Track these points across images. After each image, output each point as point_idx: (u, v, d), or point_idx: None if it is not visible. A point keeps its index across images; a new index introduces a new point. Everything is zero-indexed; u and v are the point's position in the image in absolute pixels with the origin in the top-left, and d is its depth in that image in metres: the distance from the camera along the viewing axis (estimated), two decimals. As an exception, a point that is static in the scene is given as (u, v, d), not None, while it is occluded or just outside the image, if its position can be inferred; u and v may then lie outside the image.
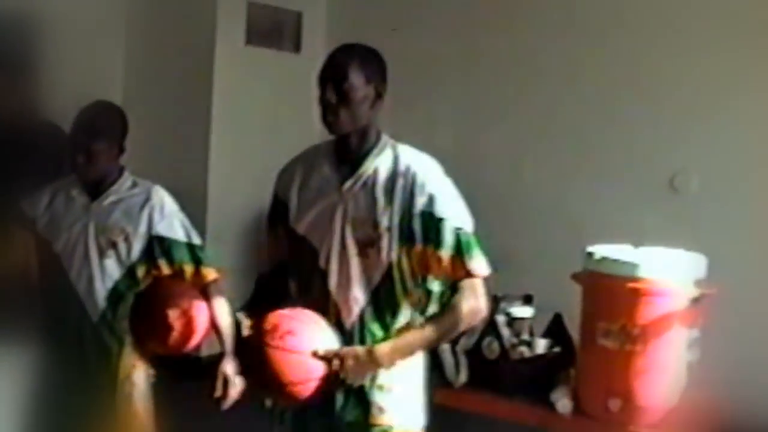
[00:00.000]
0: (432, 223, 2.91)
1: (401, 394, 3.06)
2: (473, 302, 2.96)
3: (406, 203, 2.93)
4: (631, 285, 3.94)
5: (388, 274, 2.97)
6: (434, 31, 6.48)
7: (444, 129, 6.22)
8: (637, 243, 4.22)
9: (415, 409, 3.11)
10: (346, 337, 3.01)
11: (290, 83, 6.60)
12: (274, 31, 6.73)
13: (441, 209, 2.91)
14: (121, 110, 3.88)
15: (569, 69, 5.87)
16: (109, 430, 3.71)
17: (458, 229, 2.91)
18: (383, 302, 2.98)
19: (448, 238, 2.90)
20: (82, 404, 3.63)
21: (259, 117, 6.67)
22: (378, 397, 3.03)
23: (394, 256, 2.95)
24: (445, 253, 2.90)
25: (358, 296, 2.98)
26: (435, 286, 3.01)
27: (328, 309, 3.01)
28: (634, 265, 3.96)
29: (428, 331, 2.99)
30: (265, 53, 6.71)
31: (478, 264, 2.93)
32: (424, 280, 3.00)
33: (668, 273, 3.99)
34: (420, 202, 2.92)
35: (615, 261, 4.02)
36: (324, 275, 3.01)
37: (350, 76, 2.93)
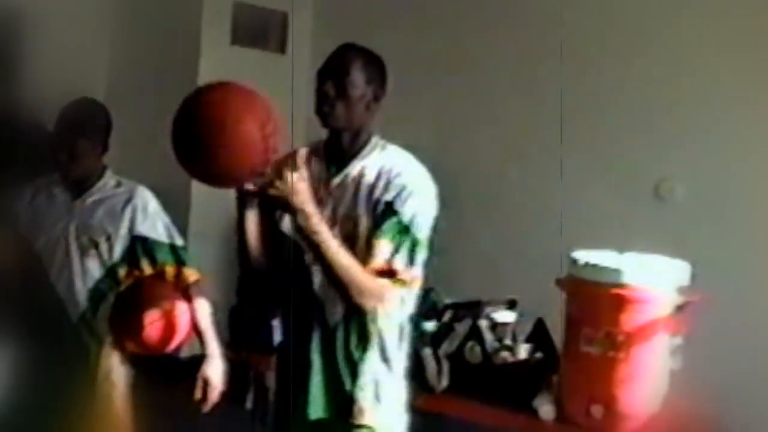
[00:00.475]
0: (387, 213, 2.91)
1: (383, 396, 3.05)
2: (376, 297, 2.92)
3: (379, 197, 2.94)
4: (615, 291, 3.93)
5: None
6: (420, 31, 6.47)
7: (428, 131, 6.21)
8: (621, 249, 4.21)
9: (397, 411, 3.10)
10: (330, 336, 3.00)
11: (275, 84, 6.58)
12: (259, 32, 6.71)
13: (401, 203, 2.91)
14: (105, 108, 3.86)
15: (556, 74, 5.87)
16: (88, 430, 3.69)
17: (407, 228, 2.91)
18: None
19: (392, 231, 2.90)
20: (61, 404, 3.61)
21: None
22: (360, 398, 3.02)
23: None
24: (382, 243, 2.90)
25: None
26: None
27: (313, 307, 3.01)
28: (618, 272, 3.95)
29: (342, 258, 2.86)
30: (250, 53, 6.69)
31: (408, 266, 2.92)
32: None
33: (652, 280, 3.98)
34: (388, 195, 2.92)
35: (599, 267, 4.01)
36: (308, 273, 3.00)
37: (352, 73, 2.97)
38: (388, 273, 2.89)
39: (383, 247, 2.89)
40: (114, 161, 3.92)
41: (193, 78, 6.37)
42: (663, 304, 3.96)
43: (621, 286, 3.93)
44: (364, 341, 3.01)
